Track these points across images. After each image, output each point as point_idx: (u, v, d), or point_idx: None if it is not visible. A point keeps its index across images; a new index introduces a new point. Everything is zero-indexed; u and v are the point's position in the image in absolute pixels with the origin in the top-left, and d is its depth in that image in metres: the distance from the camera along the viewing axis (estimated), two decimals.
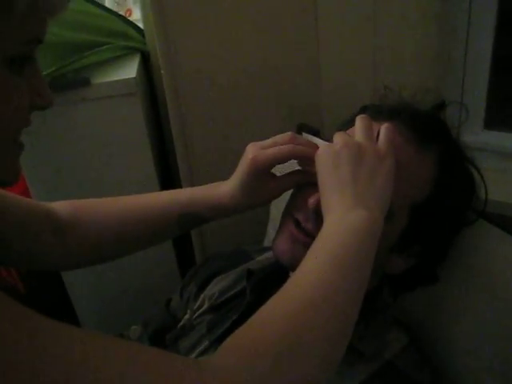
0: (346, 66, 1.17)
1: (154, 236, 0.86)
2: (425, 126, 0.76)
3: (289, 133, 0.73)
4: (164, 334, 0.97)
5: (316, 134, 0.80)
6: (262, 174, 0.73)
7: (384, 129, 0.69)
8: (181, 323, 0.96)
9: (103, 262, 0.88)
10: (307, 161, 0.69)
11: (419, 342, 0.83)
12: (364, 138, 0.67)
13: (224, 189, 0.78)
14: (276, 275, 0.83)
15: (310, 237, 0.66)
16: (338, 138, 0.66)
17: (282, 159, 0.71)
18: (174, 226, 0.82)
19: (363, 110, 0.79)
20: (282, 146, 0.71)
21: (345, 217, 0.61)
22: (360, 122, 0.69)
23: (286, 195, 0.78)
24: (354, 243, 0.59)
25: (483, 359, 0.81)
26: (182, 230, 0.85)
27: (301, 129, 1.15)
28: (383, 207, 0.63)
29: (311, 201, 0.68)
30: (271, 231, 1.21)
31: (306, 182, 0.73)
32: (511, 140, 1.24)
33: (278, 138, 0.73)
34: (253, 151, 0.72)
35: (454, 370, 0.84)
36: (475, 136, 1.22)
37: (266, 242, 1.22)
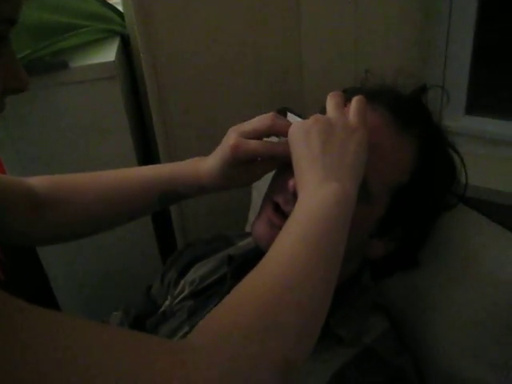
0: (328, 51, 1.16)
1: (133, 212, 0.85)
2: (406, 108, 0.76)
3: (270, 114, 0.72)
4: (144, 320, 0.96)
5: (298, 117, 0.80)
6: (240, 164, 0.73)
7: (354, 100, 0.68)
8: (161, 309, 0.96)
9: (82, 237, 0.87)
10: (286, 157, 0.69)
11: (399, 326, 0.84)
12: (334, 112, 0.66)
13: (204, 167, 0.77)
14: (257, 260, 0.82)
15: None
16: (311, 116, 0.66)
17: (262, 156, 0.72)
18: (153, 202, 0.82)
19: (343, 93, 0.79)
20: (264, 142, 0.71)
21: (316, 191, 0.60)
22: (330, 98, 0.69)
23: (268, 180, 0.77)
24: (325, 216, 0.58)
25: (462, 344, 0.81)
26: (160, 207, 0.85)
27: (282, 113, 1.14)
28: (355, 178, 0.62)
29: (291, 183, 0.67)
30: (253, 217, 1.20)
31: (285, 164, 0.72)
32: (492, 125, 1.24)
33: (258, 121, 0.72)
34: (234, 138, 0.72)
35: (433, 354, 0.84)
36: (456, 121, 1.23)
37: (248, 228, 1.22)
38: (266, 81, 1.25)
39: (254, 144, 0.71)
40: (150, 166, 0.87)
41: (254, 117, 0.74)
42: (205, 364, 0.46)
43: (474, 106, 1.25)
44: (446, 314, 0.82)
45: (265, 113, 0.73)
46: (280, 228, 0.59)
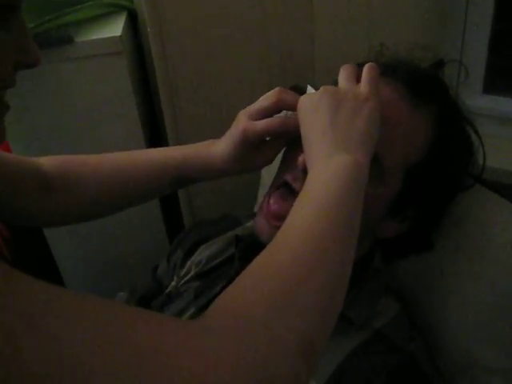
0: (341, 24, 1.13)
1: (143, 195, 0.85)
2: (422, 83, 0.73)
3: (276, 89, 0.71)
4: (150, 301, 0.95)
5: None
6: (250, 146, 0.72)
7: (366, 68, 0.65)
8: (167, 290, 0.95)
9: (91, 219, 0.87)
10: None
11: (411, 310, 0.82)
12: (345, 83, 0.65)
13: (216, 150, 0.76)
14: None
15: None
16: (321, 87, 0.64)
17: (272, 134, 0.71)
18: (165, 185, 0.82)
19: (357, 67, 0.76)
20: (271, 121, 0.70)
21: (326, 164, 0.58)
22: (343, 69, 0.67)
23: (278, 161, 0.75)
24: (337, 189, 0.56)
25: (477, 329, 0.79)
26: (172, 190, 0.84)
27: (294, 91, 1.10)
28: (366, 150, 0.60)
29: (300, 159, 0.65)
30: (262, 197, 1.18)
31: (293, 141, 0.71)
32: (509, 105, 1.20)
33: (265, 99, 0.71)
34: (243, 120, 0.71)
35: (446, 339, 0.82)
36: (473, 100, 1.19)
37: (257, 208, 1.19)
38: (277, 55, 1.22)
39: (262, 124, 0.70)
40: (161, 149, 0.85)
41: (264, 93, 0.72)
42: (221, 344, 0.43)
43: (493, 84, 1.20)
44: (461, 297, 0.79)
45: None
46: (281, 218, 0.57)
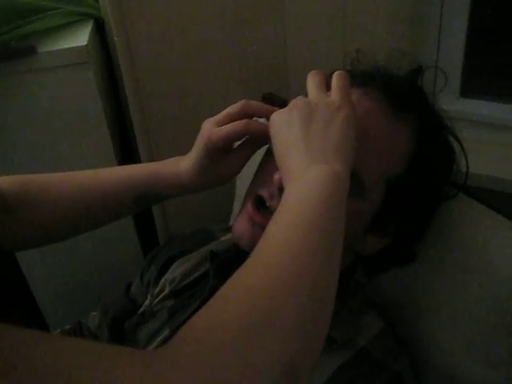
0: (315, 29, 1.11)
1: (110, 214, 0.81)
2: (401, 92, 0.70)
3: (242, 101, 0.69)
4: (123, 322, 0.91)
5: (283, 103, 0.74)
6: (217, 151, 0.69)
7: (335, 77, 0.63)
8: (141, 309, 0.91)
9: (57, 241, 0.82)
10: (262, 136, 0.65)
11: (395, 324, 0.79)
12: (315, 93, 0.62)
13: (182, 166, 0.73)
14: (242, 256, 0.77)
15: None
16: (290, 102, 0.62)
17: (237, 137, 0.69)
18: (131, 204, 0.78)
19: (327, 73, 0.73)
20: (235, 123, 0.67)
21: (303, 175, 0.55)
22: (311, 77, 0.64)
23: (252, 170, 0.72)
24: (315, 199, 0.53)
25: (462, 341, 0.77)
26: (138, 208, 0.80)
27: (267, 99, 1.08)
28: (345, 158, 0.57)
29: (276, 176, 0.62)
30: (237, 209, 1.14)
31: (267, 155, 0.70)
32: (488, 109, 1.19)
33: (231, 108, 0.69)
34: (207, 128, 0.69)
35: (431, 353, 0.80)
36: (451, 104, 1.17)
37: (232, 221, 1.16)
38: (250, 65, 1.20)
39: (225, 129, 0.67)
40: (127, 166, 0.82)
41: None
42: (186, 377, 0.39)
43: (469, 88, 1.19)
44: (445, 309, 0.77)
45: (247, 98, 0.70)
46: (262, 227, 0.52)
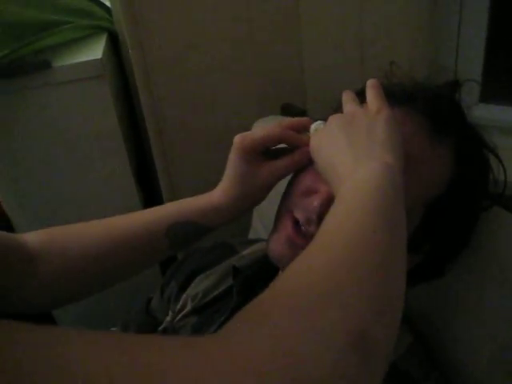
0: (331, 41, 1.10)
1: (142, 259, 0.74)
2: (443, 113, 0.67)
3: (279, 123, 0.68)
4: None
5: (302, 114, 0.73)
6: (251, 158, 0.67)
7: (369, 84, 0.63)
8: (162, 326, 0.89)
9: (85, 295, 0.75)
10: (298, 145, 0.65)
11: (424, 338, 0.77)
12: (350, 105, 0.63)
13: (216, 189, 0.71)
14: (265, 272, 0.76)
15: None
16: (329, 118, 0.63)
17: (271, 142, 0.67)
18: (163, 241, 0.71)
19: (361, 92, 0.70)
20: (270, 127, 0.66)
21: (353, 176, 0.54)
22: (344, 95, 0.66)
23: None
24: (371, 190, 0.51)
25: (495, 354, 0.74)
26: (174, 246, 0.73)
27: (285, 109, 1.07)
28: (394, 153, 0.56)
29: (315, 204, 0.61)
30: (257, 222, 1.13)
31: (304, 165, 0.66)
32: (507, 114, 1.17)
33: (266, 128, 0.68)
34: (240, 137, 0.67)
35: (462, 367, 0.77)
36: (470, 110, 1.15)
37: (252, 234, 1.15)
38: (266, 78, 1.19)
39: (259, 133, 0.66)
40: (157, 207, 0.76)
41: (254, 115, 0.69)
42: (242, 354, 0.36)
43: (489, 93, 1.17)
44: (475, 322, 0.75)
45: (265, 111, 0.68)
46: (303, 248, 0.50)
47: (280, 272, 0.70)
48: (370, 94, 0.62)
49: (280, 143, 0.67)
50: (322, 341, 0.39)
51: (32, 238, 0.71)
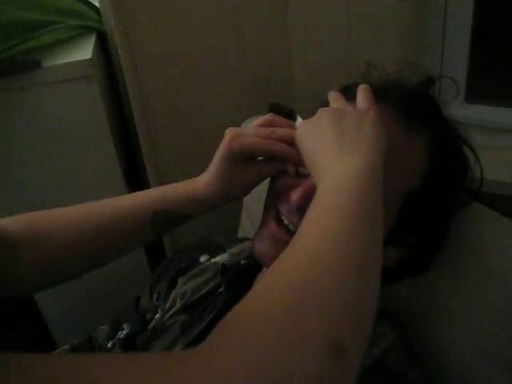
0: (319, 41, 1.11)
1: (124, 243, 0.76)
2: (415, 106, 0.69)
3: (269, 114, 0.69)
4: (135, 337, 0.90)
5: (290, 113, 0.74)
6: (237, 158, 0.68)
7: (360, 89, 0.65)
8: (151, 324, 0.90)
9: (70, 278, 0.77)
10: (285, 158, 0.65)
11: (408, 333, 0.78)
12: (339, 103, 0.64)
13: (200, 179, 0.71)
14: (252, 269, 0.78)
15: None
16: (318, 110, 0.63)
17: (257, 152, 0.67)
18: (146, 227, 0.73)
19: (345, 90, 0.72)
20: (261, 139, 0.66)
21: (336, 167, 0.55)
22: (331, 95, 0.67)
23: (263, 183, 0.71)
24: (351, 185, 0.53)
25: (478, 347, 0.76)
26: (156, 232, 0.75)
27: (273, 108, 1.07)
28: (377, 151, 0.57)
29: (293, 197, 0.62)
30: (245, 221, 1.14)
31: (288, 168, 0.67)
32: (493, 113, 1.19)
33: (258, 121, 0.68)
34: (231, 134, 0.67)
35: (446, 360, 0.79)
36: (455, 110, 1.17)
37: (241, 233, 1.16)
38: (254, 77, 1.19)
39: (249, 139, 0.66)
40: (140, 191, 0.78)
41: (242, 115, 0.69)
42: (224, 366, 0.38)
43: (474, 93, 1.19)
44: (458, 316, 0.77)
45: (253, 111, 0.69)
46: (286, 243, 0.52)
47: (264, 269, 0.71)
48: (361, 97, 0.63)
49: (268, 155, 0.67)
50: (300, 347, 0.40)
51: (10, 223, 0.72)
